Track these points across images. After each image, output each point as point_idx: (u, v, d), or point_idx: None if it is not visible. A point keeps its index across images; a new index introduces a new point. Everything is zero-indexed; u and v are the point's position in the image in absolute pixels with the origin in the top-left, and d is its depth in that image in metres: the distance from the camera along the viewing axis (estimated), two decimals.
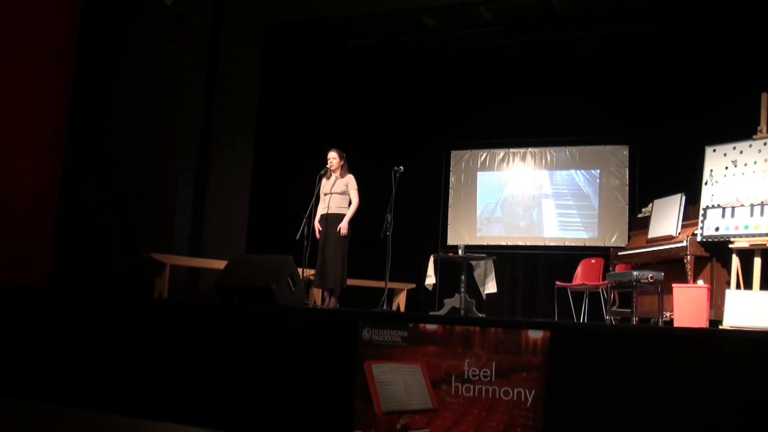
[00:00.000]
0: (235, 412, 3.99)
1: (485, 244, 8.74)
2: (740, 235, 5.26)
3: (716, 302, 5.37)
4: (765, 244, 5.10)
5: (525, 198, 8.79)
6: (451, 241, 8.88)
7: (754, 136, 5.47)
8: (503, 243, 8.76)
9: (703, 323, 4.95)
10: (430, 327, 3.55)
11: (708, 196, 5.63)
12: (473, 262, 7.22)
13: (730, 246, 5.26)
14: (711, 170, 5.68)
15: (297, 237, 5.79)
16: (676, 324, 5.09)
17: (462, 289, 7.02)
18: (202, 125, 7.37)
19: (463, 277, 7.07)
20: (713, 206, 5.55)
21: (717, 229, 5.44)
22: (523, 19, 8.35)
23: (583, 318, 7.02)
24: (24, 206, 6.64)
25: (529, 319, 5.69)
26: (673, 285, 5.26)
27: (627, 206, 8.22)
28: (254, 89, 7.90)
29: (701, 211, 5.61)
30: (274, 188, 8.40)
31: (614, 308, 6.49)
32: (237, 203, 7.63)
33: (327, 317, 4.12)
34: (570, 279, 7.16)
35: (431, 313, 7.10)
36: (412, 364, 3.55)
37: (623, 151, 8.38)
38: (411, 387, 3.52)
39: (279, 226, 7.24)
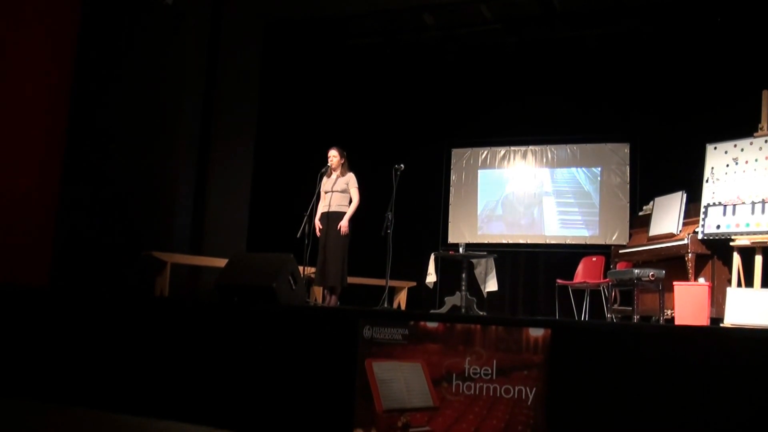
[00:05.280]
0: (236, 410, 3.99)
1: (486, 242, 8.74)
2: (741, 233, 5.26)
3: (717, 300, 5.36)
4: (766, 242, 5.09)
5: (526, 196, 8.79)
6: (451, 239, 8.88)
7: (755, 134, 5.46)
8: (504, 241, 8.76)
9: (704, 321, 4.95)
10: (431, 325, 3.55)
11: (709, 193, 5.62)
12: (474, 260, 7.22)
13: (731, 244, 5.26)
14: (712, 168, 5.67)
15: (298, 235, 5.80)
16: (677, 322, 5.09)
17: (463, 287, 7.02)
18: (203, 123, 7.37)
19: (463, 275, 7.07)
20: (714, 204, 5.54)
21: (718, 227, 5.44)
22: (524, 18, 8.34)
23: (584, 316, 7.02)
24: (24, 204, 6.62)
25: (530, 317, 5.69)
26: (674, 283, 5.26)
27: (628, 204, 8.21)
28: (254, 87, 7.90)
29: (702, 209, 5.60)
30: (275, 186, 8.40)
31: (615, 306, 6.49)
32: (238, 201, 7.63)
33: (328, 315, 4.11)
34: (571, 277, 7.16)
35: (432, 311, 7.11)
36: (413, 362, 3.54)
37: (624, 149, 8.37)
38: (412, 385, 3.52)
39: (280, 224, 7.25)
